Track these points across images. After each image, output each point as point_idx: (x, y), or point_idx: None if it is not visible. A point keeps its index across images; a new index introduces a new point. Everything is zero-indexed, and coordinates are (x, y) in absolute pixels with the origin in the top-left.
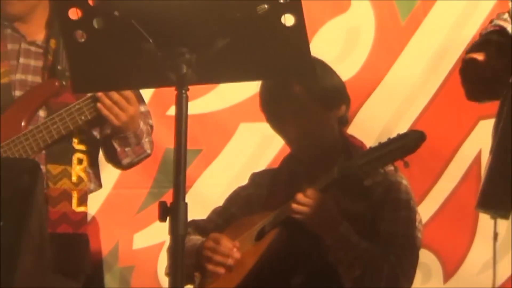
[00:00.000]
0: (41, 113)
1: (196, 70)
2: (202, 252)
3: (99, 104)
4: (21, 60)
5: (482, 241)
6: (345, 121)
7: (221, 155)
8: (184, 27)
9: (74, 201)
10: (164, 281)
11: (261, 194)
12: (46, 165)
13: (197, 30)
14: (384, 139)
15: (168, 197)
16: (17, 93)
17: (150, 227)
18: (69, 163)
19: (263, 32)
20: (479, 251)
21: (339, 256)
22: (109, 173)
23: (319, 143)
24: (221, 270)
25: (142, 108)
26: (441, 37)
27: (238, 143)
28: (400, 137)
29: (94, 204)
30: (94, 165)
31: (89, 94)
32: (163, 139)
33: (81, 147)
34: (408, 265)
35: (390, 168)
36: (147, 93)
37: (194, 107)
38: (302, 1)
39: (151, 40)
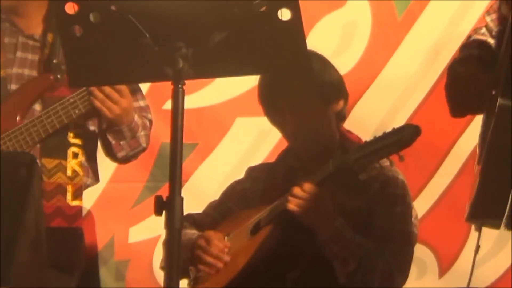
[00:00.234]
0: (37, 107)
1: (193, 65)
2: (194, 250)
3: (91, 97)
4: (18, 54)
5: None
6: (343, 116)
7: (217, 149)
8: (181, 21)
9: (69, 195)
10: (160, 275)
11: (257, 188)
12: (41, 159)
13: (193, 25)
14: (380, 134)
15: (164, 191)
16: (13, 86)
17: (145, 221)
18: (64, 157)
19: (259, 27)
20: (474, 247)
21: (333, 251)
22: (105, 167)
23: (317, 137)
24: (211, 271)
25: (142, 103)
26: (437, 33)
27: (234, 137)
28: (395, 131)
29: (90, 198)
30: (91, 159)
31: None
32: (159, 133)
33: (77, 141)
34: (403, 260)
35: (386, 163)
36: (143, 88)
37: (191, 101)
38: None
39: (147, 35)
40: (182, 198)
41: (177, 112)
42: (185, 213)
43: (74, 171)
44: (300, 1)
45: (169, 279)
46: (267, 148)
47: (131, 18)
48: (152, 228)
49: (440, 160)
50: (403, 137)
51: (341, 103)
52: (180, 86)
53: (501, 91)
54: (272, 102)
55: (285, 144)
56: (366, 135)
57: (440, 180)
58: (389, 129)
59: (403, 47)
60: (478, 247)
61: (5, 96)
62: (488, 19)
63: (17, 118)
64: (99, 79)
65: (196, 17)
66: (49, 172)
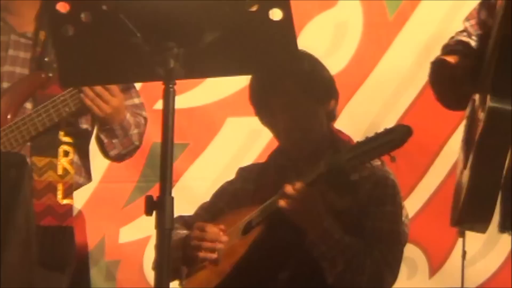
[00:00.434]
0: (28, 105)
1: (184, 65)
2: (189, 243)
3: (82, 95)
4: (10, 51)
5: (468, 236)
6: (333, 116)
7: (208, 149)
8: (172, 21)
9: (60, 193)
10: (150, 275)
11: (249, 188)
12: (31, 157)
13: (185, 25)
14: (371, 134)
15: (155, 191)
16: (5, 84)
17: (136, 221)
18: (55, 155)
19: (250, 27)
20: (465, 246)
21: (321, 251)
22: (96, 167)
23: (308, 137)
24: (213, 255)
25: (136, 100)
26: (429, 33)
27: (225, 137)
28: (387, 131)
29: (81, 197)
30: (83, 158)
31: None
32: (150, 133)
33: (68, 139)
34: (393, 260)
35: (377, 162)
36: None
37: (182, 101)
38: None
39: (138, 35)
40: (172, 198)
41: (168, 112)
42: (176, 213)
43: (65, 169)
44: (291, 1)
45: (159, 279)
46: (258, 148)
47: (122, 18)
48: (143, 228)
49: (431, 160)
50: (394, 138)
51: (332, 103)
52: (171, 86)
53: (490, 94)
54: (264, 102)
55: (276, 144)
56: (357, 135)
57: (431, 180)
58: (380, 129)
59: (394, 47)
60: (464, 253)
61: None
62: (467, 24)
63: (8, 116)
64: (90, 78)
65: (187, 17)
66: (40, 171)
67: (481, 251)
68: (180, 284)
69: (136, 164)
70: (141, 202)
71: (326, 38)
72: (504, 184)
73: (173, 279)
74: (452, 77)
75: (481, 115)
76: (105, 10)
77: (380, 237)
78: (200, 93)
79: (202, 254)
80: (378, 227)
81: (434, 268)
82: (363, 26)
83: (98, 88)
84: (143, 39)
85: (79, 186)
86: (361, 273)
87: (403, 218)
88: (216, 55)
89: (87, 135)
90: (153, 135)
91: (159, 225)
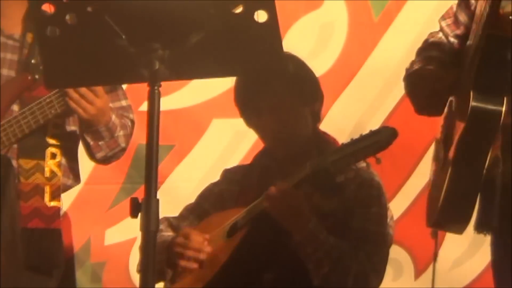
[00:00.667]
0: (15, 107)
1: (169, 66)
2: (173, 248)
3: (66, 98)
4: None
5: (453, 237)
6: (318, 118)
7: (193, 151)
8: (157, 23)
9: (47, 196)
10: (136, 276)
11: (234, 190)
12: (18, 160)
13: (170, 26)
14: (356, 135)
15: (140, 193)
16: None
17: (122, 223)
18: (42, 157)
19: (236, 29)
20: (451, 248)
21: (307, 252)
22: (82, 169)
23: (294, 138)
24: (194, 265)
25: (124, 102)
26: (414, 33)
27: (210, 139)
28: (372, 133)
29: (66, 199)
30: (71, 159)
31: None
32: (136, 135)
33: (55, 141)
34: (378, 262)
35: (362, 164)
36: None
37: (167, 102)
38: None
39: (123, 36)
40: (158, 200)
41: (153, 113)
42: (161, 215)
43: (52, 171)
44: (276, 2)
45: (144, 282)
46: (244, 149)
47: (107, 20)
48: (128, 230)
49: (416, 161)
50: (380, 140)
51: (317, 104)
52: (156, 87)
53: (473, 94)
54: (250, 104)
55: (261, 145)
56: (342, 136)
57: (416, 181)
58: (365, 131)
59: (380, 48)
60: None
61: None
62: (443, 24)
63: None
64: (75, 80)
65: (172, 19)
66: (27, 173)
67: (468, 252)
68: (165, 286)
69: (122, 166)
70: (126, 204)
71: (312, 39)
72: (484, 185)
73: (158, 281)
74: (431, 91)
75: (458, 116)
76: (90, 11)
77: (366, 238)
78: (186, 95)
79: (183, 263)
80: (363, 228)
81: (420, 269)
82: (348, 27)
83: (83, 90)
84: (128, 40)
85: (67, 188)
86: (346, 275)
87: (388, 220)
88: (201, 57)
89: (74, 137)
90: (139, 136)
91: (144, 227)
